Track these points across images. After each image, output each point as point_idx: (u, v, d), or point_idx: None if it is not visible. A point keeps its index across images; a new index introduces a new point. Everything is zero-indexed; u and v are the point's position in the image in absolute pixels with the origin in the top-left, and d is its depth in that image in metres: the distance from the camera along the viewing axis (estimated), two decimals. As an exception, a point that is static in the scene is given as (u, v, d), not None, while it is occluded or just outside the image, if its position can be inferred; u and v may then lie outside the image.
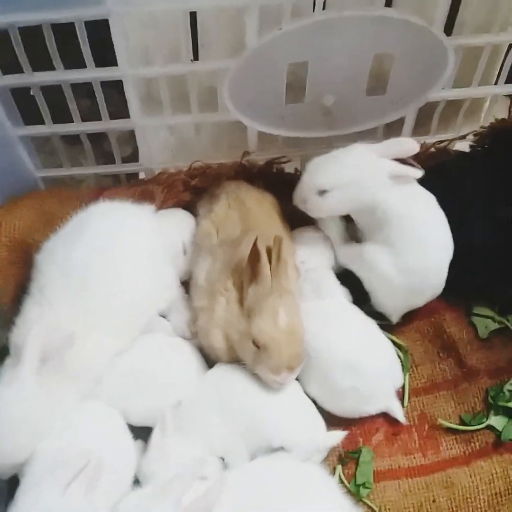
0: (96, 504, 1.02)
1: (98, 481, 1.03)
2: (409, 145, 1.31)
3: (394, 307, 1.36)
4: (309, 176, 1.33)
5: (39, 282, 1.23)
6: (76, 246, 1.24)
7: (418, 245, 1.29)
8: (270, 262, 1.19)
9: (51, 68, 1.27)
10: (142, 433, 1.22)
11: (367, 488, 1.22)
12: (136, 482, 1.17)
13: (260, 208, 1.38)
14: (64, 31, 1.20)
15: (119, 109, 1.39)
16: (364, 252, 1.34)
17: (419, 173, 1.30)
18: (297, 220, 1.44)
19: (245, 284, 1.20)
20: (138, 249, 1.27)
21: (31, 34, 1.20)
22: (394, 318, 1.37)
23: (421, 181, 1.43)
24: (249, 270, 1.19)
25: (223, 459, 1.20)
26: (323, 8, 1.23)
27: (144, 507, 1.02)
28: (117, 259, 1.24)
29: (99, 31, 1.21)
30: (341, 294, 1.38)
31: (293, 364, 1.17)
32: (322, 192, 1.31)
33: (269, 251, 1.20)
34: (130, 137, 1.48)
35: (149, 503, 1.01)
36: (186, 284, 1.39)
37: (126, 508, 1.07)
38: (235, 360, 1.23)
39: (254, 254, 1.17)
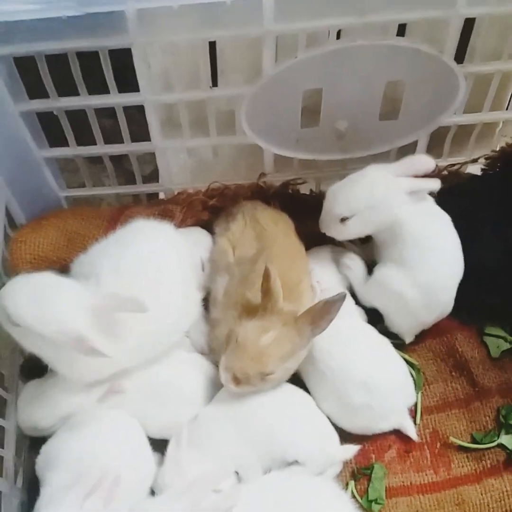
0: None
1: (115, 493, 1.04)
2: (425, 161, 1.33)
3: (408, 326, 1.38)
4: (329, 205, 1.35)
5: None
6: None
7: (430, 262, 1.31)
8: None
9: (76, 93, 1.31)
10: (159, 445, 1.23)
11: (379, 503, 1.23)
12: (151, 494, 1.19)
13: (276, 227, 1.40)
14: (88, 56, 1.24)
15: (141, 129, 1.42)
16: (377, 275, 1.37)
17: (437, 184, 1.32)
18: (312, 239, 1.45)
19: (262, 296, 1.21)
20: (176, 269, 1.28)
21: (57, 60, 1.24)
22: (408, 338, 1.39)
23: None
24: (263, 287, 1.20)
25: (237, 473, 1.21)
26: (337, 38, 1.26)
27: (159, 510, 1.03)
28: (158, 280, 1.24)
29: (123, 56, 1.24)
30: (356, 314, 1.40)
31: (239, 375, 1.18)
32: (343, 219, 1.33)
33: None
34: (151, 156, 1.51)
35: (164, 507, 1.03)
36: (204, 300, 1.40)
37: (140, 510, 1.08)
38: None
39: (266, 274, 1.18)
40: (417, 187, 1.32)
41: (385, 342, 1.35)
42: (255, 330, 1.18)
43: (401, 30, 1.29)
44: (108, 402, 1.24)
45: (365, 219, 1.33)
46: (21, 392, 1.33)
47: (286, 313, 1.20)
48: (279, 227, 1.41)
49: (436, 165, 1.49)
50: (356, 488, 1.26)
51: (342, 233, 1.37)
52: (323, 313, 1.17)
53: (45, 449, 1.20)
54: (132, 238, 1.29)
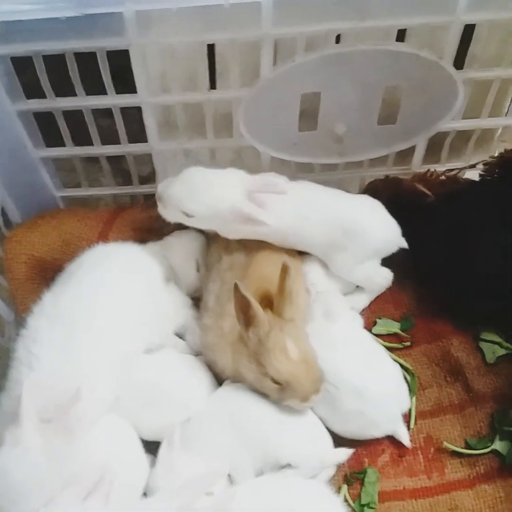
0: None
1: (111, 493, 1.04)
2: (276, 181, 1.30)
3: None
4: (176, 197, 1.29)
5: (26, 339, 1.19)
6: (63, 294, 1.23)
7: None
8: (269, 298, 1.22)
9: (73, 93, 1.31)
10: (152, 447, 1.23)
11: (371, 508, 1.23)
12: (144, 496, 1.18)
13: None
14: (86, 57, 1.23)
15: (140, 129, 1.42)
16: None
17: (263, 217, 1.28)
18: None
19: (242, 329, 1.21)
20: (121, 289, 1.27)
21: (55, 61, 1.24)
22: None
23: (431, 209, 1.47)
24: (242, 316, 1.19)
25: (229, 475, 1.21)
26: (337, 42, 1.26)
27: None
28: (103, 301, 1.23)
29: (122, 57, 1.24)
30: (351, 318, 1.40)
31: (317, 387, 1.20)
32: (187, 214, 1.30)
33: (268, 288, 1.23)
34: (149, 157, 1.50)
35: (155, 508, 1.02)
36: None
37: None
38: (238, 379, 1.26)
39: (242, 301, 1.18)
40: (245, 213, 1.26)
41: (379, 347, 1.35)
42: (295, 341, 1.19)
43: (401, 35, 1.28)
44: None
45: (209, 222, 1.33)
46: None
47: (287, 318, 1.22)
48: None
49: (434, 170, 1.52)
50: (349, 492, 1.25)
51: (183, 221, 1.33)
52: None
53: None
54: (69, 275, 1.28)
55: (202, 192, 1.27)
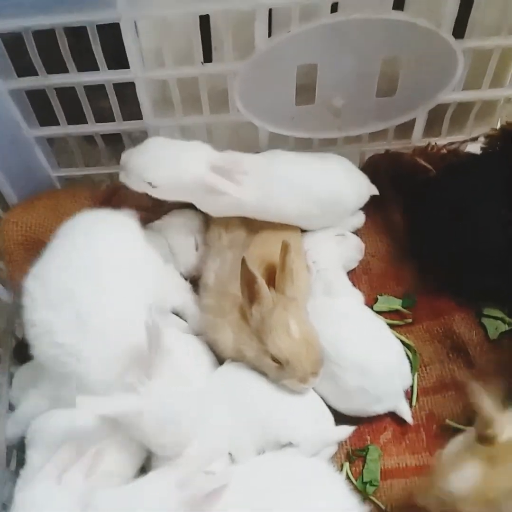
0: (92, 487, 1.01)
1: (97, 467, 1.02)
2: (239, 161, 1.28)
3: None
4: (140, 165, 1.27)
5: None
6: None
7: None
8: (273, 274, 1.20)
9: (66, 70, 1.29)
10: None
11: (373, 485, 1.23)
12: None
13: None
14: (81, 33, 1.22)
15: (138, 110, 1.41)
16: None
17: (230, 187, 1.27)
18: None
19: (245, 305, 1.21)
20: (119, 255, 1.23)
21: (47, 37, 1.22)
22: None
23: (432, 182, 1.45)
24: (246, 292, 1.19)
25: (230, 454, 1.20)
26: (334, 11, 1.23)
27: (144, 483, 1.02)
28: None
29: (118, 33, 1.23)
30: (352, 294, 1.39)
31: (317, 369, 1.20)
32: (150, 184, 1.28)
33: (270, 267, 1.22)
34: (146, 136, 1.47)
35: (154, 485, 1.01)
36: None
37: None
38: (239, 359, 1.25)
39: (247, 276, 1.18)
40: (211, 184, 1.25)
41: (381, 323, 1.34)
42: (297, 321, 1.19)
43: (399, 4, 1.26)
44: None
45: (173, 193, 1.31)
46: (15, 375, 1.32)
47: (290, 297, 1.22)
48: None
49: (435, 143, 1.50)
50: (351, 470, 1.25)
51: (148, 191, 1.30)
52: None
53: (32, 426, 1.18)
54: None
55: (166, 162, 1.25)
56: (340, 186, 1.38)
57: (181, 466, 1.03)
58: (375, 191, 1.45)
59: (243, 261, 1.17)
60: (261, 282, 1.17)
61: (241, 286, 1.19)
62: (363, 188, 1.44)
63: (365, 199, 1.45)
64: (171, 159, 1.25)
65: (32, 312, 1.15)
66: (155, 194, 1.29)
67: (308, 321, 1.23)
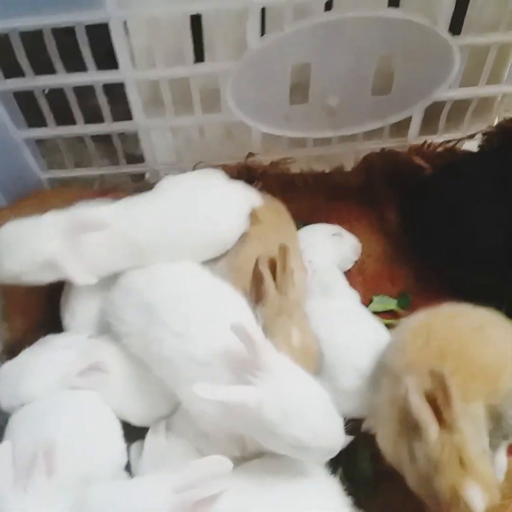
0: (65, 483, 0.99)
1: (52, 464, 0.98)
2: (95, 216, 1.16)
3: None
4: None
5: None
6: None
7: None
8: (274, 274, 1.17)
9: (54, 71, 1.27)
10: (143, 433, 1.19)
11: (367, 486, 1.20)
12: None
13: (266, 207, 1.35)
14: (70, 34, 1.20)
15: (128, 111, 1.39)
16: None
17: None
18: (303, 219, 1.43)
19: (252, 304, 1.18)
20: None
21: (34, 38, 1.20)
22: None
23: (429, 181, 1.43)
24: (254, 291, 1.18)
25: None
26: (328, 9, 1.21)
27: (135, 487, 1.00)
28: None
29: (107, 33, 1.20)
30: (349, 295, 1.37)
31: None
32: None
33: (273, 264, 1.20)
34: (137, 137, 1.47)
35: (141, 485, 0.99)
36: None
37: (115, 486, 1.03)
38: None
39: (258, 276, 1.16)
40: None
41: (378, 324, 1.32)
42: (300, 330, 1.15)
43: (394, 0, 1.24)
44: (87, 380, 1.16)
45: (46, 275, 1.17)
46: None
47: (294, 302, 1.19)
48: (269, 207, 1.37)
49: (432, 142, 1.48)
50: (344, 472, 1.21)
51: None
52: None
53: (8, 424, 1.13)
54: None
55: (15, 248, 1.12)
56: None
57: (184, 472, 0.99)
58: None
59: (257, 261, 1.15)
60: (269, 282, 1.15)
61: (251, 285, 1.18)
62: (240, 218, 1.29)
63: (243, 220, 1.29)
64: (19, 244, 1.14)
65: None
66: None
67: (311, 330, 1.20)
